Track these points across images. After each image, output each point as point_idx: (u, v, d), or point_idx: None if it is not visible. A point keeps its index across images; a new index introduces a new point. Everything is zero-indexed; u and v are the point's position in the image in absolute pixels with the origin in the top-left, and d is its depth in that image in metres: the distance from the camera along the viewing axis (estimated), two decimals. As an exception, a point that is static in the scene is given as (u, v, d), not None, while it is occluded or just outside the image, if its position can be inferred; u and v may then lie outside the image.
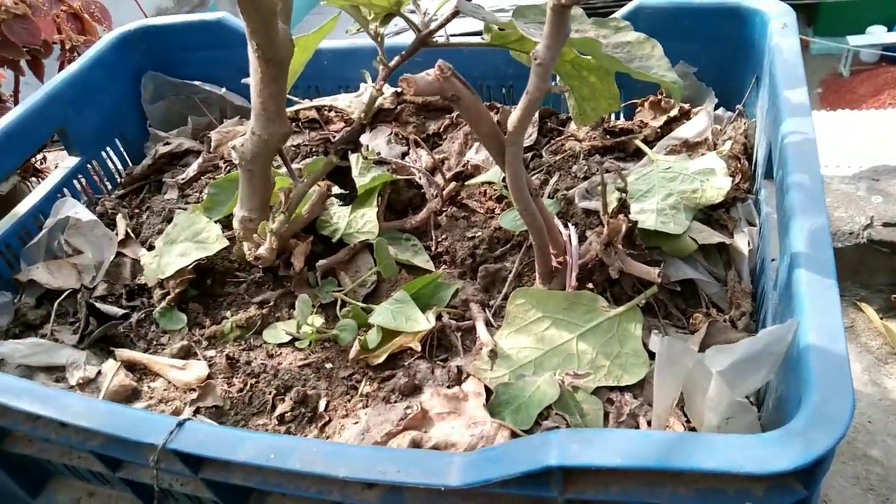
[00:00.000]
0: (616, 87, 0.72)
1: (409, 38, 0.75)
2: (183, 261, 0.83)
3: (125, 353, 0.79)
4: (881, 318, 1.21)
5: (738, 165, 0.84)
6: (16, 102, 1.45)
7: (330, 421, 0.69)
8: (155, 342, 0.81)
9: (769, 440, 0.46)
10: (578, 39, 0.59)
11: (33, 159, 1.31)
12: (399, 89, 1.08)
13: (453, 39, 0.77)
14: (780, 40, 0.81)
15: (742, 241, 0.77)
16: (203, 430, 0.57)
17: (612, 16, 0.94)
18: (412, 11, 0.74)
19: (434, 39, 0.74)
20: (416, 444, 0.61)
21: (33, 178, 1.35)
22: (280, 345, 0.78)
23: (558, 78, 0.75)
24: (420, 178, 0.95)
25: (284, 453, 0.54)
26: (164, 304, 0.82)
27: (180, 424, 0.56)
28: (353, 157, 0.86)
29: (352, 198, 0.82)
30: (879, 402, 1.12)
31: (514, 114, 0.58)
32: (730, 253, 0.78)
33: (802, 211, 0.60)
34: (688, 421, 0.61)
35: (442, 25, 0.73)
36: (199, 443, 0.56)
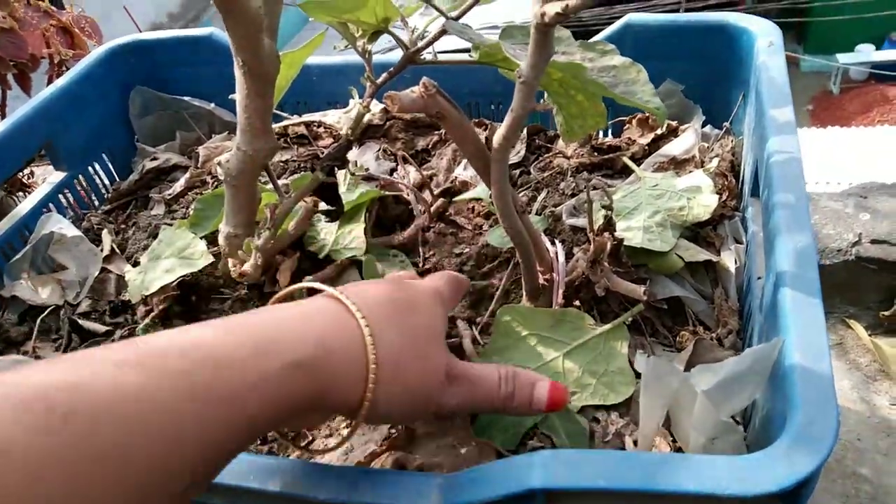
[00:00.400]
0: (603, 106, 0.72)
1: (398, 55, 0.75)
2: (167, 277, 0.83)
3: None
4: (870, 336, 1.21)
5: (725, 183, 0.84)
6: (2, 116, 1.45)
7: (313, 440, 0.68)
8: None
9: (753, 461, 0.45)
10: (564, 63, 0.59)
11: (20, 174, 1.31)
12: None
13: (443, 57, 0.77)
14: (766, 59, 0.81)
15: (729, 259, 0.77)
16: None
17: (599, 35, 0.95)
18: (400, 29, 0.74)
19: (422, 57, 0.74)
20: (400, 465, 0.60)
21: (20, 193, 1.34)
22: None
23: (546, 95, 0.75)
24: (408, 195, 0.95)
25: (264, 475, 0.53)
26: (147, 321, 0.81)
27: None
28: (340, 174, 0.86)
29: (338, 214, 0.81)
30: (868, 420, 1.12)
31: (499, 131, 0.58)
32: (717, 271, 0.78)
33: (788, 229, 0.60)
34: (674, 440, 0.60)
35: (430, 43, 0.73)
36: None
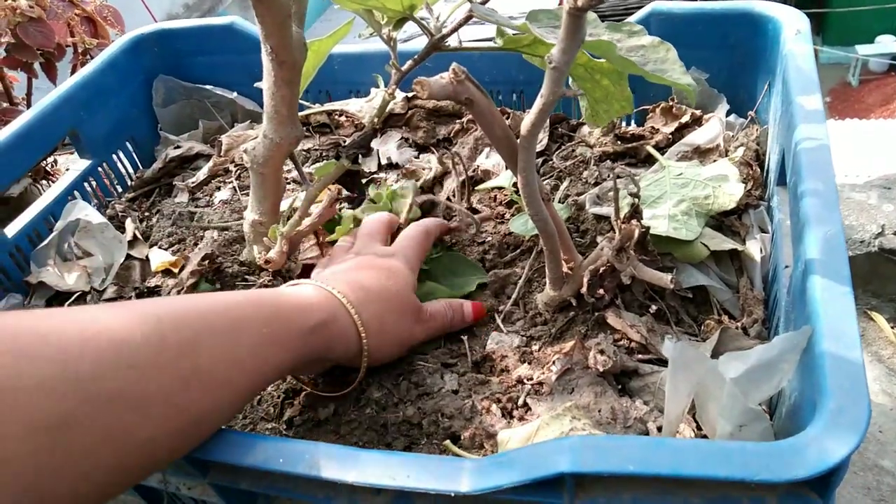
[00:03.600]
0: (629, 91, 0.72)
1: (421, 43, 0.75)
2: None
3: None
4: (892, 328, 1.20)
5: (750, 172, 0.83)
6: (28, 105, 1.46)
7: (339, 425, 0.68)
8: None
9: (784, 448, 0.45)
10: (592, 42, 0.59)
11: (44, 162, 1.32)
12: (410, 94, 1.08)
13: (467, 43, 0.77)
14: (793, 46, 0.80)
15: (754, 248, 0.77)
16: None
17: (626, 20, 0.94)
18: (425, 17, 0.74)
19: (446, 44, 0.74)
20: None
21: (44, 181, 1.35)
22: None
23: (571, 81, 0.75)
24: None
25: (293, 458, 0.53)
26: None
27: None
28: (372, 190, 0.87)
29: (360, 201, 0.82)
30: (891, 412, 1.11)
31: (528, 117, 0.58)
32: (742, 260, 0.78)
33: (817, 218, 0.60)
34: (698, 428, 0.60)
35: (454, 30, 0.73)
36: (207, 446, 0.56)
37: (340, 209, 0.88)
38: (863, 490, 1.05)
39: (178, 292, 0.83)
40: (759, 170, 0.85)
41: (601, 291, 0.74)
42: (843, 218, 1.27)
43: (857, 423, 0.46)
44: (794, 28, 0.83)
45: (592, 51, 0.61)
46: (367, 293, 0.66)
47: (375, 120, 0.76)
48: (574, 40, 0.50)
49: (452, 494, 0.49)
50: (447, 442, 0.65)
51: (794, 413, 0.54)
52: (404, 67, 0.75)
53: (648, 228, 0.70)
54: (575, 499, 0.49)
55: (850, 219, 1.26)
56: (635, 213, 0.68)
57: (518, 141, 0.61)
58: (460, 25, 0.71)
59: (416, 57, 0.74)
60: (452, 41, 0.75)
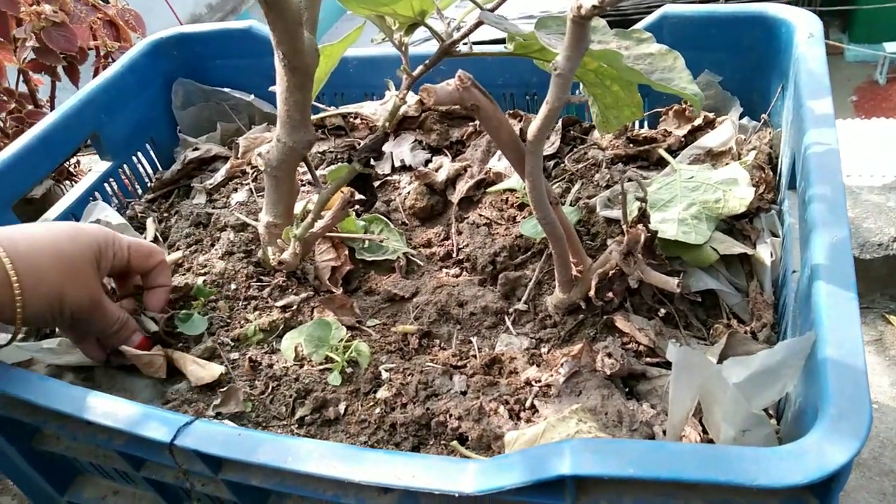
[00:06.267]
0: (639, 96, 0.72)
1: (433, 47, 0.75)
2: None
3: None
4: (910, 332, 1.19)
5: (762, 175, 0.83)
6: (52, 107, 1.49)
7: (349, 425, 0.69)
8: (182, 343, 0.83)
9: (784, 453, 0.45)
10: (599, 51, 0.60)
11: (67, 163, 1.35)
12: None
13: (478, 48, 0.78)
14: (805, 50, 0.80)
15: (765, 252, 0.77)
16: (223, 432, 0.59)
17: (636, 26, 0.94)
18: (436, 21, 0.75)
19: (458, 49, 0.75)
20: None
21: (67, 182, 1.38)
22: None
23: (581, 87, 0.75)
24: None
25: (302, 456, 0.55)
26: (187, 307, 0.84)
27: (188, 424, 0.58)
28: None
29: (371, 204, 0.83)
30: (907, 417, 1.10)
31: (534, 123, 0.59)
32: (752, 264, 0.78)
33: (824, 223, 0.60)
34: (704, 432, 0.60)
35: (465, 35, 0.74)
36: (220, 444, 0.58)
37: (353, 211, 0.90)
38: (878, 495, 1.05)
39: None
40: (771, 173, 0.85)
41: (610, 294, 0.74)
42: (861, 220, 1.25)
43: (858, 428, 0.46)
44: (806, 31, 0.82)
45: (600, 60, 0.61)
46: (38, 248, 0.68)
47: (387, 124, 0.77)
48: (578, 48, 0.51)
49: (456, 495, 0.50)
50: (454, 443, 0.66)
51: (799, 418, 0.54)
52: (416, 72, 0.76)
53: (656, 232, 0.71)
54: (576, 501, 0.50)
55: (868, 222, 1.25)
56: (643, 216, 0.68)
57: (525, 146, 0.61)
58: (470, 31, 0.72)
59: (427, 62, 0.75)
60: (465, 44, 0.76)
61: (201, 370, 0.76)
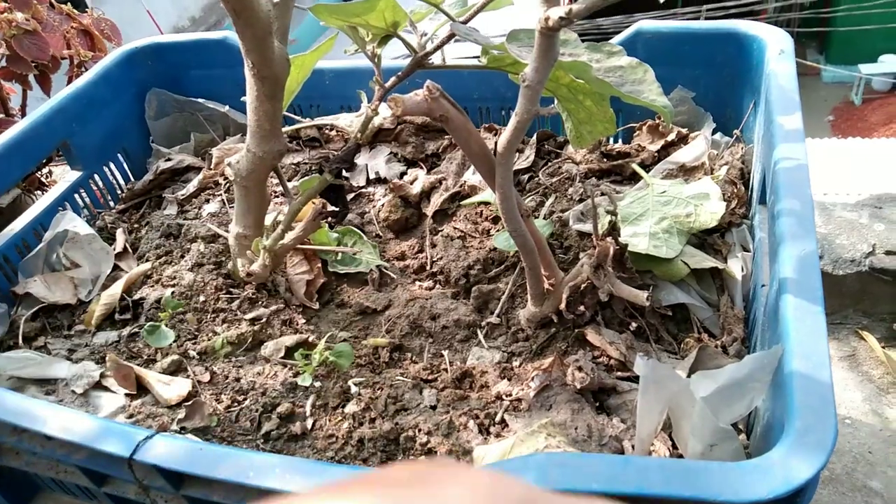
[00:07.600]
0: (612, 111, 0.72)
1: (409, 59, 0.75)
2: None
3: (119, 362, 0.79)
4: (883, 347, 1.20)
5: (734, 190, 0.84)
6: (23, 116, 1.47)
7: (316, 440, 0.68)
8: (147, 356, 0.81)
9: (749, 468, 0.45)
10: (569, 63, 0.59)
11: (39, 173, 1.32)
12: (399, 109, 1.08)
13: (453, 62, 0.78)
14: (776, 66, 0.81)
15: (735, 267, 0.77)
16: (184, 446, 0.57)
17: (609, 41, 0.95)
18: (410, 33, 0.75)
19: (430, 61, 0.75)
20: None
21: (38, 192, 1.36)
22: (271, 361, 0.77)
23: (556, 102, 0.75)
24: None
25: (263, 471, 0.54)
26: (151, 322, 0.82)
27: (149, 438, 0.56)
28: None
29: (343, 215, 0.82)
30: (880, 433, 1.11)
31: (503, 135, 0.59)
32: (723, 278, 0.78)
33: (792, 236, 0.60)
34: (674, 446, 0.60)
35: (438, 48, 0.74)
36: (180, 459, 0.56)
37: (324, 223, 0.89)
38: (851, 511, 1.04)
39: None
40: (743, 188, 0.85)
41: (581, 308, 0.74)
42: (834, 237, 1.26)
43: (824, 442, 0.46)
44: (777, 47, 0.83)
45: (569, 71, 0.61)
46: None
47: (360, 135, 0.77)
48: (546, 59, 0.51)
49: (420, 510, 0.49)
50: (423, 458, 0.65)
51: (767, 432, 0.54)
52: (388, 84, 0.75)
53: (626, 245, 0.71)
54: (542, 516, 0.49)
55: (842, 238, 1.26)
56: (613, 230, 0.68)
57: (495, 158, 0.61)
58: (443, 44, 0.72)
59: (399, 73, 0.75)
60: (437, 59, 0.75)
61: (167, 389, 0.74)
